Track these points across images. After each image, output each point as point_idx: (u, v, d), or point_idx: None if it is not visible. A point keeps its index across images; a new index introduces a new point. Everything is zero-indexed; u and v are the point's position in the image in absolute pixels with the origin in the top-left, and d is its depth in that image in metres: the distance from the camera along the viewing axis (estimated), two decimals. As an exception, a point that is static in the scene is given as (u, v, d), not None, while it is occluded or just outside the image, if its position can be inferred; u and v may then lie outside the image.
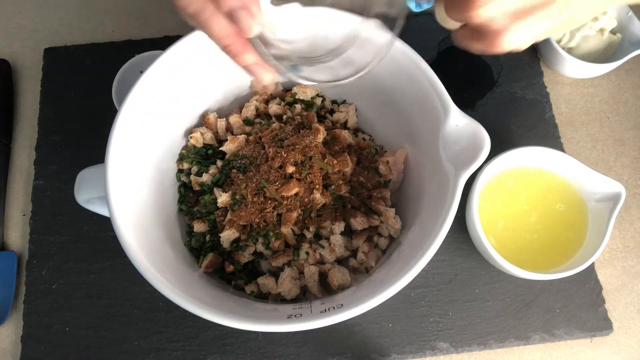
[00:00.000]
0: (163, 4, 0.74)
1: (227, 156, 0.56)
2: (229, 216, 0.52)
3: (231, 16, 0.34)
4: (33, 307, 0.58)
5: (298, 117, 0.58)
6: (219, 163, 0.56)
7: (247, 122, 0.58)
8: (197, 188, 0.55)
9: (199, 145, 0.57)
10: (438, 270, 0.60)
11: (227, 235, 0.52)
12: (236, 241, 0.53)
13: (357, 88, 0.58)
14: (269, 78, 0.38)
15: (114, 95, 0.63)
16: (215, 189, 0.54)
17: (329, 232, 0.52)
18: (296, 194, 0.51)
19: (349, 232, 0.53)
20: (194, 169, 0.56)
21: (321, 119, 0.60)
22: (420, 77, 0.50)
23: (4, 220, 0.62)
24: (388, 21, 0.37)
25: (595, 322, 0.58)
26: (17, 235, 0.62)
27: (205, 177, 0.55)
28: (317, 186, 0.51)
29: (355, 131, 0.61)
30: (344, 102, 0.62)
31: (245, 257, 0.52)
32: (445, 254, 0.60)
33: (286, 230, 0.51)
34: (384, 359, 0.56)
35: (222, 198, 0.52)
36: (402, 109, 0.55)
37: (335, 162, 0.53)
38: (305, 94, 0.59)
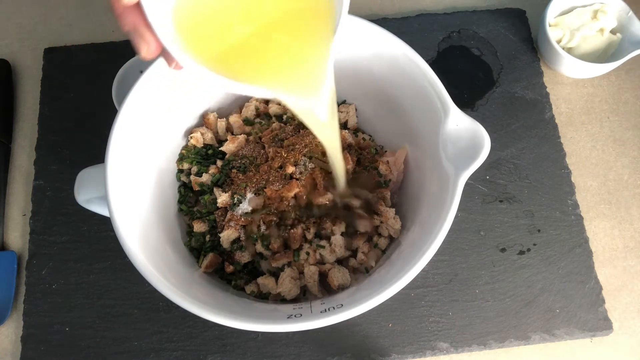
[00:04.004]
0: (163, 4, 0.74)
1: (227, 156, 0.56)
2: (228, 216, 0.52)
3: None
4: (33, 307, 0.58)
5: (298, 117, 0.58)
6: (219, 163, 0.56)
7: (247, 122, 0.58)
8: (197, 188, 0.55)
9: (199, 145, 0.57)
10: (438, 270, 0.60)
11: (227, 235, 0.52)
12: (236, 241, 0.53)
13: (357, 88, 0.58)
14: (145, 51, 0.35)
15: (114, 95, 0.63)
16: (215, 189, 0.54)
17: (329, 232, 0.52)
18: (296, 194, 0.51)
19: (349, 232, 0.53)
20: (194, 169, 0.56)
21: (321, 119, 0.60)
22: (420, 77, 0.50)
23: (4, 220, 0.62)
24: None
25: (595, 322, 0.58)
26: (17, 235, 0.62)
27: (205, 177, 0.55)
28: (317, 186, 0.51)
29: (355, 131, 0.61)
30: (344, 102, 0.62)
31: (245, 257, 0.52)
32: (445, 254, 0.60)
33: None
34: (384, 359, 0.56)
35: (222, 198, 0.52)
36: (402, 109, 0.55)
37: (335, 162, 0.53)
38: (305, 94, 0.59)
